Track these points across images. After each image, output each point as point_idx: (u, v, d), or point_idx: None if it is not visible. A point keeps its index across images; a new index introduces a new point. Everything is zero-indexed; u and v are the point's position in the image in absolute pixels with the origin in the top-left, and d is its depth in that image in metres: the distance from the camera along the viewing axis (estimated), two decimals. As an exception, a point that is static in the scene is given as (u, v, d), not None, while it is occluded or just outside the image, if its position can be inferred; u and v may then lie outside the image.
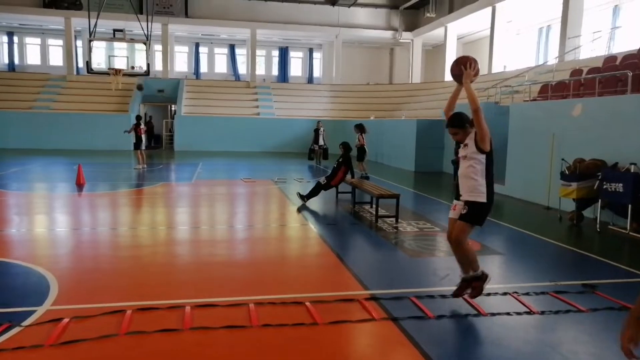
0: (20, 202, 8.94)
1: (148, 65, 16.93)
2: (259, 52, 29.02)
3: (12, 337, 3.32)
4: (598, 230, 7.22)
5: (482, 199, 3.91)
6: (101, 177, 12.72)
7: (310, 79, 31.26)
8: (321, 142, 17.18)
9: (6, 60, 28.16)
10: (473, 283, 4.08)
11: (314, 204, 9.03)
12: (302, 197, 9.08)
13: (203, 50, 30.38)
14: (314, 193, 9.09)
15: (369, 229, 7.18)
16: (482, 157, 3.89)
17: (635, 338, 1.78)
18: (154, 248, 6.01)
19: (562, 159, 8.12)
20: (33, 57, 28.84)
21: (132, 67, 16.79)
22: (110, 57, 16.71)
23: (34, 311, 3.76)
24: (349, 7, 27.15)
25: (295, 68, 31.74)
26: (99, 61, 16.77)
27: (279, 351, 3.27)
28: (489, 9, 20.76)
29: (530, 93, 11.99)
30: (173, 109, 26.90)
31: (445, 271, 5.03)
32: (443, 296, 4.26)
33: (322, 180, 9.32)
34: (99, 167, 14.64)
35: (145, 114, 26.96)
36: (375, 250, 6.17)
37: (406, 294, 4.30)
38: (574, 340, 3.58)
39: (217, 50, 30.69)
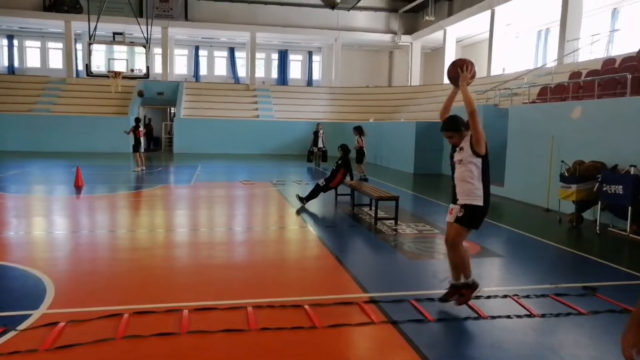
0: (19, 205, 8.91)
1: (148, 68, 16.94)
2: (258, 55, 29.04)
3: (7, 342, 3.29)
4: (598, 232, 7.20)
5: (479, 202, 3.88)
6: (100, 179, 12.68)
7: (309, 82, 31.28)
8: (320, 144, 17.17)
9: (6, 63, 28.15)
10: (462, 290, 4.04)
11: (313, 206, 9.00)
12: (301, 199, 9.05)
13: (203, 53, 30.39)
14: (313, 195, 9.06)
15: (368, 231, 7.15)
16: (478, 161, 3.87)
17: (637, 344, 1.75)
18: (152, 251, 5.97)
19: (562, 161, 8.10)
20: (33, 60, 28.85)
21: (132, 70, 16.79)
22: (109, 60, 16.71)
23: (29, 315, 3.72)
24: (349, 10, 27.18)
25: (295, 71, 31.77)
26: (98, 64, 16.77)
27: (277, 355, 3.24)
28: (488, 12, 20.79)
29: (530, 95, 11.99)
30: (172, 111, 26.90)
31: (445, 274, 4.98)
32: (442, 299, 4.23)
33: (321, 182, 9.30)
34: (98, 170, 14.61)
35: (145, 117, 26.96)
36: (375, 253, 6.14)
37: (406, 297, 4.27)
38: (575, 343, 3.55)
39: (216, 53, 30.71)
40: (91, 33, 16.17)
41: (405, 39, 28.44)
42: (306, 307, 3.96)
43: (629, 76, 8.35)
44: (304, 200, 8.99)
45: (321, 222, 7.96)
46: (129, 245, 6.25)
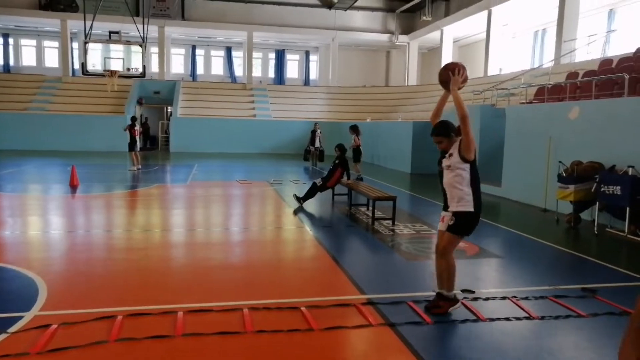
0: (14, 204, 8.82)
1: (144, 67, 16.86)
2: (255, 54, 28.97)
3: (-2, 344, 3.23)
4: (596, 232, 7.18)
5: (470, 208, 3.82)
6: (95, 178, 12.60)
7: (306, 81, 31.24)
8: (317, 143, 17.13)
9: (1, 62, 27.96)
10: (440, 302, 3.96)
11: (310, 205, 8.96)
12: (298, 199, 9.01)
13: (199, 52, 30.29)
14: (310, 195, 9.02)
15: (365, 232, 7.11)
16: (467, 167, 3.80)
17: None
18: (147, 251, 5.91)
19: (560, 162, 8.08)
20: (28, 58, 28.69)
21: (128, 69, 16.69)
22: (106, 59, 16.60)
23: (21, 317, 3.66)
24: (346, 10, 27.13)
25: (292, 70, 31.71)
26: (94, 63, 16.65)
27: (273, 358, 3.19)
28: (485, 13, 20.78)
29: (527, 96, 11.97)
30: (169, 110, 26.80)
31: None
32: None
33: (318, 181, 9.26)
34: (94, 169, 14.51)
35: (142, 116, 26.83)
36: (372, 253, 6.10)
37: (403, 299, 4.23)
38: (575, 346, 3.52)
39: (213, 52, 30.62)
40: (87, 32, 16.07)
41: (402, 39, 28.43)
42: (303, 309, 3.92)
43: (627, 76, 8.34)
44: (301, 200, 8.95)
45: (318, 222, 7.91)
46: (124, 245, 6.19)
